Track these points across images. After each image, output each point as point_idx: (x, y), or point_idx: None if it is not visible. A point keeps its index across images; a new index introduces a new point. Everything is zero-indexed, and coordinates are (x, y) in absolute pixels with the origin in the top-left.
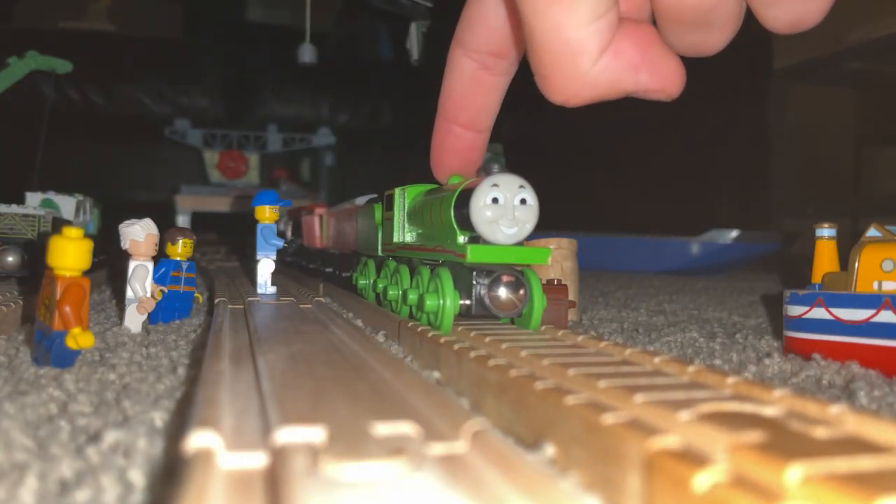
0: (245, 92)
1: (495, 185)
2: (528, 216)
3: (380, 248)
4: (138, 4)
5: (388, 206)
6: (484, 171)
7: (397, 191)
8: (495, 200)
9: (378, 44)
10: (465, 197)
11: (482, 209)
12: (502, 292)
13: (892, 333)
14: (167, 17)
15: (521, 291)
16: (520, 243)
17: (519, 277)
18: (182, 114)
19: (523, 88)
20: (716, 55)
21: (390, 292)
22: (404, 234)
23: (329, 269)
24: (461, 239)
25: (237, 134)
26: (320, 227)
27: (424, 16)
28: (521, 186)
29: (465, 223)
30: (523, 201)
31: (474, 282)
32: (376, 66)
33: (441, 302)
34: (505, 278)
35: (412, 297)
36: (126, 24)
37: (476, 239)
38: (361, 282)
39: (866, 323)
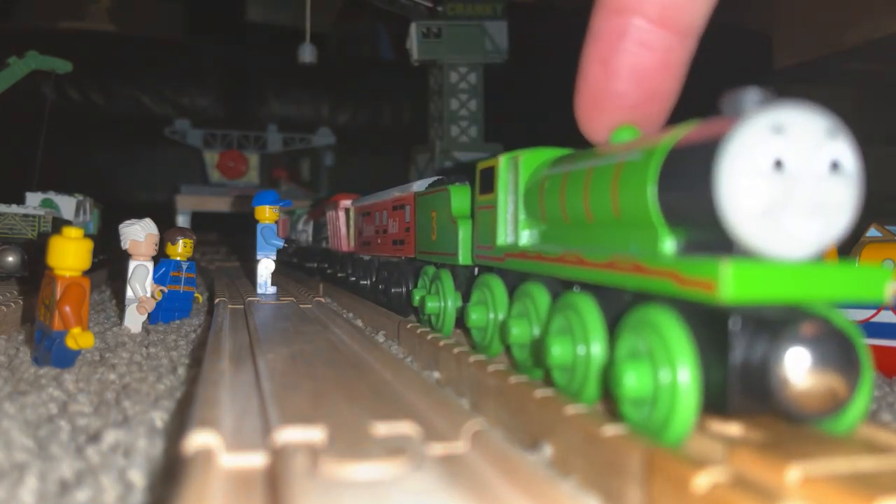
0: (245, 92)
1: (778, 128)
2: (843, 196)
3: (465, 253)
4: (138, 4)
5: (487, 185)
6: (729, 108)
7: (503, 160)
8: (778, 165)
9: (378, 44)
10: (696, 156)
11: (752, 182)
12: (810, 370)
13: (892, 333)
14: (167, 17)
15: (854, 369)
16: (821, 256)
17: (841, 336)
18: (182, 114)
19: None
20: (716, 55)
21: (514, 331)
22: (519, 231)
23: (365, 282)
24: (667, 245)
25: (237, 134)
26: (347, 224)
27: (424, 16)
28: (830, 133)
29: (691, 212)
30: (835, 166)
31: (735, 342)
32: (376, 66)
33: (667, 381)
34: (807, 331)
35: (559, 351)
36: (126, 24)
37: (710, 246)
38: (431, 304)
39: (866, 323)
